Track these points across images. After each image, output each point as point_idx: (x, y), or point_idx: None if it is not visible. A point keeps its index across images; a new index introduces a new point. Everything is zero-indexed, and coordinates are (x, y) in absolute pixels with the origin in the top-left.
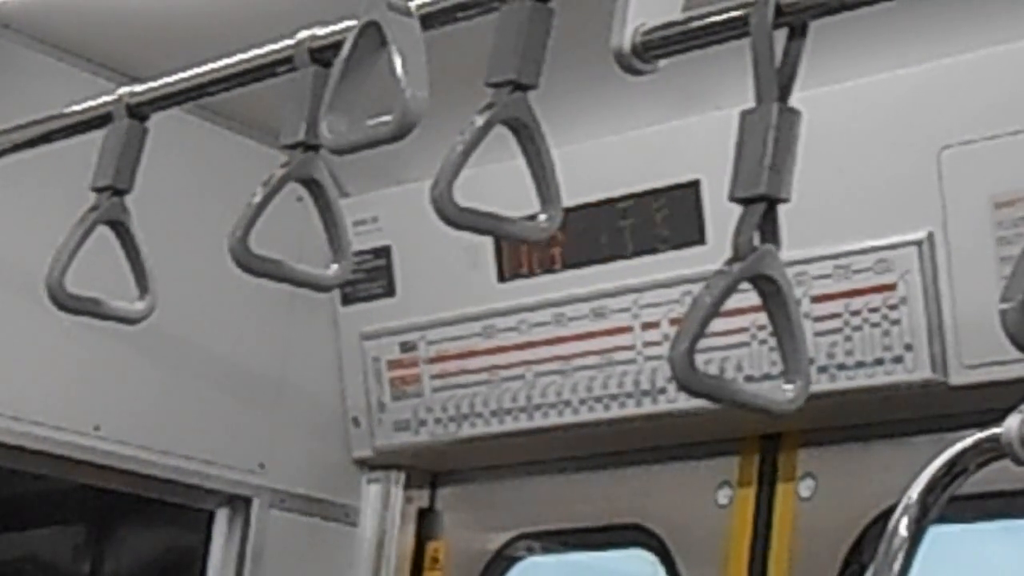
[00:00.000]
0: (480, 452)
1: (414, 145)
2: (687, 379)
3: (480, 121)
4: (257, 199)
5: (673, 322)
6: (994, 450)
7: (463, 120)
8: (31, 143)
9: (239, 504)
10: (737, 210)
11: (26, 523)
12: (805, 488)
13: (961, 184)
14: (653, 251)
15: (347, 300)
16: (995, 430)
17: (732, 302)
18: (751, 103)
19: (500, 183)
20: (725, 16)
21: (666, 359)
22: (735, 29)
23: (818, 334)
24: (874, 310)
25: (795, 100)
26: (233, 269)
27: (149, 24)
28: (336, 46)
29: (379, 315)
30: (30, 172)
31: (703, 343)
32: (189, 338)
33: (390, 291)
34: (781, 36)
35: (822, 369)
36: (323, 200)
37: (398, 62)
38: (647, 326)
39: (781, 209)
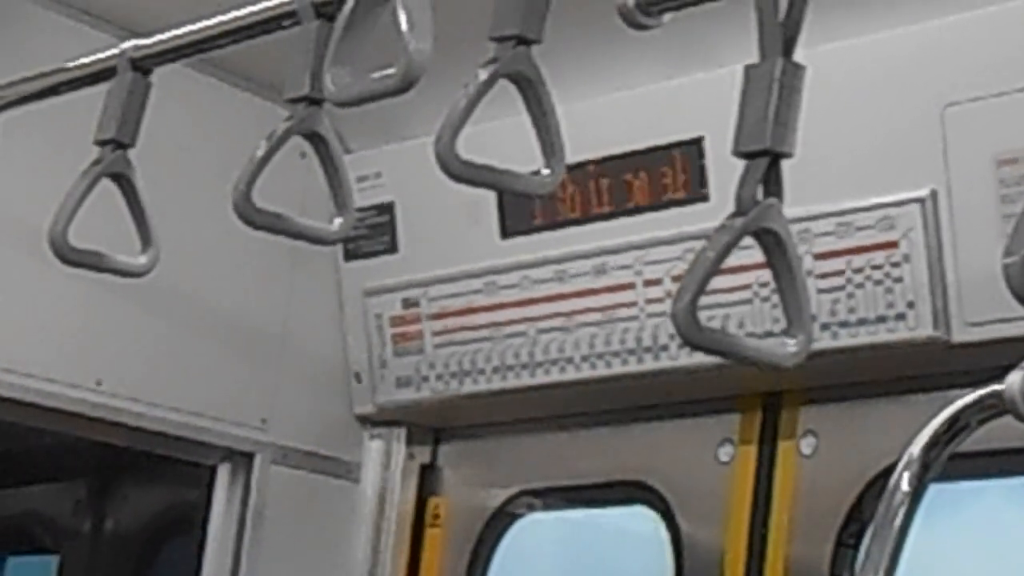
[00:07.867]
0: (482, 408)
1: (418, 101)
2: (690, 333)
3: (484, 75)
4: (260, 153)
5: (675, 279)
6: (996, 407)
7: (468, 76)
8: (35, 96)
9: (241, 460)
10: (740, 168)
11: (27, 478)
12: (807, 446)
13: (964, 141)
14: (656, 208)
15: (350, 256)
16: (997, 387)
17: (734, 259)
18: (755, 60)
19: (503, 140)
20: None
21: (668, 315)
22: None
23: (821, 291)
24: (877, 267)
25: (799, 57)
26: (236, 224)
27: None
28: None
29: (382, 271)
30: (34, 126)
31: (705, 300)
32: (192, 293)
33: (393, 247)
34: None
35: (824, 326)
36: (326, 155)
37: (402, 15)
38: (649, 283)
39: (784, 166)
